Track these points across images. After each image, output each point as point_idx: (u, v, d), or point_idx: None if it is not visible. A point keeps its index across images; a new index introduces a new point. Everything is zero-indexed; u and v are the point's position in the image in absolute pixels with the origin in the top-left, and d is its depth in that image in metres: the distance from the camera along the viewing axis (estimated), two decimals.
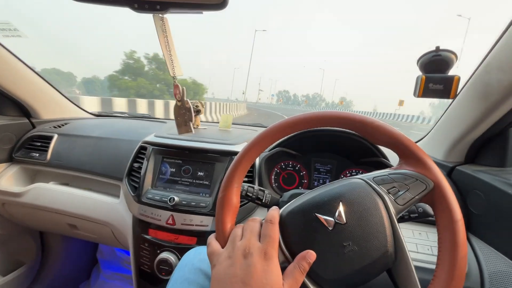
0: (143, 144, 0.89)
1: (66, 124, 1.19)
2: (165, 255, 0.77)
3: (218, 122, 1.19)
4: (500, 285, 0.56)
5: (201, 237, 0.77)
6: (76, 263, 1.46)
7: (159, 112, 8.06)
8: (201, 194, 0.81)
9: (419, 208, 0.46)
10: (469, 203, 0.67)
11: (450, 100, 0.75)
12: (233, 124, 1.17)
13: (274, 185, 0.86)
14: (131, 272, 0.89)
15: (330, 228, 0.36)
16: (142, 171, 0.84)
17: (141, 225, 0.83)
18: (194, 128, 1.10)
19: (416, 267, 0.35)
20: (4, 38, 0.98)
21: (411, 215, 0.46)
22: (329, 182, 0.84)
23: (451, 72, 0.59)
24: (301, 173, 0.86)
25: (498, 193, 0.59)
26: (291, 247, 0.37)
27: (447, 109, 0.77)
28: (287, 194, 0.53)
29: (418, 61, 0.62)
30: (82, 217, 0.97)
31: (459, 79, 0.58)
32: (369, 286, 0.38)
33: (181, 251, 0.77)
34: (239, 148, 0.83)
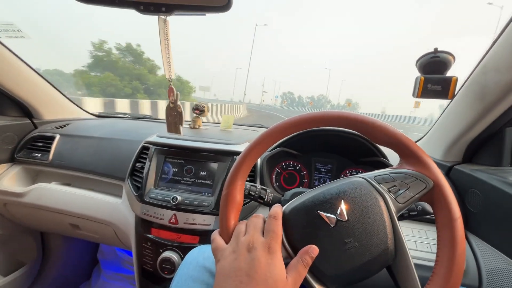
0: (145, 144, 0.90)
1: (68, 124, 1.20)
2: (168, 254, 0.78)
3: (219, 123, 1.21)
4: (497, 282, 0.57)
5: (203, 236, 0.78)
6: (76, 263, 1.46)
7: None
8: (203, 193, 0.82)
9: (419, 207, 0.47)
10: (467, 201, 0.68)
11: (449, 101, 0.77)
12: (234, 124, 1.19)
13: (275, 185, 0.87)
14: (132, 272, 0.89)
15: (332, 225, 0.37)
16: (145, 171, 0.85)
17: (143, 225, 0.83)
18: (196, 128, 1.12)
19: (416, 265, 0.36)
20: (7, 39, 0.99)
21: (411, 213, 0.47)
22: (330, 181, 0.85)
23: (449, 73, 0.60)
24: (302, 173, 0.88)
25: (495, 192, 0.60)
26: (293, 244, 0.38)
27: (445, 109, 0.79)
28: (288, 193, 0.53)
29: (417, 62, 0.63)
30: (85, 217, 0.97)
31: (456, 80, 0.59)
32: (369, 282, 0.39)
33: (183, 250, 0.78)
34: (241, 148, 0.84)
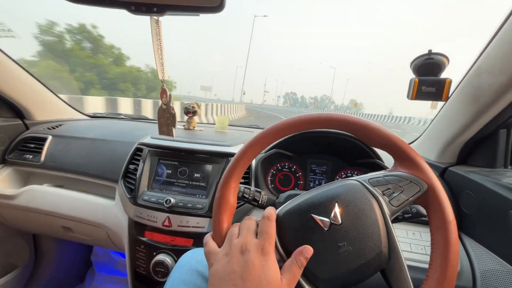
0: (139, 146, 0.89)
1: (60, 125, 1.18)
2: (161, 257, 0.77)
3: (214, 124, 1.20)
4: (491, 283, 0.57)
5: (197, 239, 0.77)
6: (70, 266, 1.44)
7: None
8: (197, 195, 0.81)
9: (413, 209, 0.47)
10: (461, 203, 0.68)
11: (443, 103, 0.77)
12: (229, 125, 1.18)
13: (270, 187, 0.86)
14: (126, 275, 0.88)
15: (326, 229, 0.37)
16: (138, 173, 0.84)
17: (137, 227, 0.82)
18: (190, 129, 1.11)
19: (410, 267, 0.36)
20: None
21: (405, 216, 0.47)
22: (325, 183, 0.85)
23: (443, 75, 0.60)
24: (297, 174, 0.87)
25: (489, 193, 0.60)
26: (286, 247, 0.38)
27: (439, 111, 0.79)
28: (283, 195, 0.53)
29: (411, 64, 0.63)
30: (77, 220, 0.96)
31: (450, 82, 0.59)
32: (363, 286, 0.39)
33: (177, 253, 0.77)
34: (235, 149, 0.83)
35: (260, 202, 0.51)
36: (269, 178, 0.87)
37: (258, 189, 0.52)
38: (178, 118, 0.82)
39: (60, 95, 1.24)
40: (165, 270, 0.76)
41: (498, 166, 0.69)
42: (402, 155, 0.40)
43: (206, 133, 1.05)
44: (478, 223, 0.64)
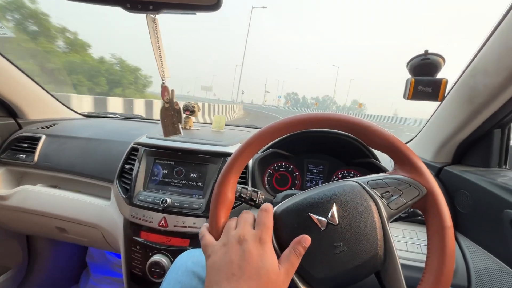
0: (134, 145, 0.88)
1: (54, 124, 1.16)
2: (157, 257, 0.76)
3: (210, 124, 1.19)
4: (486, 281, 0.58)
5: (194, 239, 0.77)
6: (64, 267, 1.43)
7: None
8: (194, 195, 0.80)
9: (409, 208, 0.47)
10: (457, 202, 0.69)
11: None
12: (226, 125, 1.17)
13: (267, 186, 0.86)
14: (121, 276, 0.87)
15: (323, 228, 0.37)
16: (134, 173, 0.83)
17: (132, 228, 0.81)
18: (186, 129, 1.10)
19: (406, 266, 0.36)
20: None
21: (402, 215, 0.47)
22: (322, 182, 0.85)
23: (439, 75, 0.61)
24: (294, 174, 0.87)
25: (484, 193, 0.61)
26: (283, 245, 0.38)
27: (435, 111, 0.80)
28: (280, 195, 0.53)
29: (407, 64, 0.64)
30: (71, 220, 0.94)
31: (446, 82, 0.60)
32: (358, 286, 0.39)
33: (173, 253, 0.77)
34: (232, 149, 0.83)
35: (257, 202, 0.50)
36: (266, 178, 0.87)
37: (255, 189, 0.52)
38: None
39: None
40: (161, 271, 0.75)
41: (493, 166, 0.70)
42: (403, 159, 0.40)
43: (203, 133, 1.04)
44: (473, 222, 0.65)
